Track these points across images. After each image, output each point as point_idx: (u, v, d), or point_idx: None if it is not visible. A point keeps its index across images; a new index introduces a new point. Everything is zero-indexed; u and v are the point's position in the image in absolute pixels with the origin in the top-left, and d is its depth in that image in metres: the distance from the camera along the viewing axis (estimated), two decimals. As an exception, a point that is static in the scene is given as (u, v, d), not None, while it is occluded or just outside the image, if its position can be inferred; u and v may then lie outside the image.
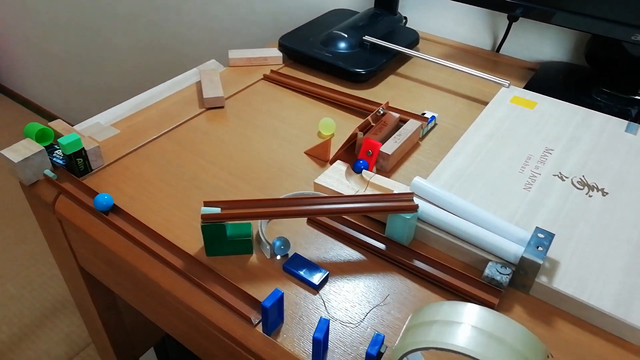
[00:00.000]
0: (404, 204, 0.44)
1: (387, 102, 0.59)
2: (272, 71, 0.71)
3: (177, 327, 0.49)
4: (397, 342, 0.32)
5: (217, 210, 0.42)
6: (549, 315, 0.41)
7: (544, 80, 0.69)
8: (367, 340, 0.39)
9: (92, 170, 0.54)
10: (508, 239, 0.43)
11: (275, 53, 0.73)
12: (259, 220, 0.47)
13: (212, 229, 0.42)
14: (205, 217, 0.42)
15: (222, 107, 0.64)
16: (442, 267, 0.43)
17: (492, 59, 0.78)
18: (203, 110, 0.64)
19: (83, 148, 0.52)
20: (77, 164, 0.52)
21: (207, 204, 0.43)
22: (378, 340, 0.35)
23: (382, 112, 0.56)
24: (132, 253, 0.46)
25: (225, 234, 0.43)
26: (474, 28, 0.81)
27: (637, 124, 0.57)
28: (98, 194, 0.49)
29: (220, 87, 0.65)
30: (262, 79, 0.70)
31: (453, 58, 0.77)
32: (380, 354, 0.35)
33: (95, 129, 0.60)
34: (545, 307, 0.41)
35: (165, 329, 0.51)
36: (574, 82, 0.69)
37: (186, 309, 0.43)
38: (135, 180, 0.53)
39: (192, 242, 0.46)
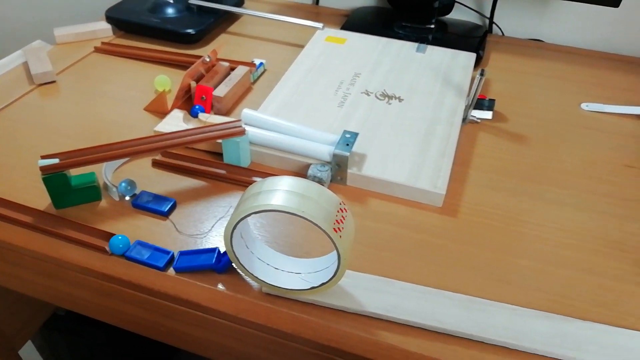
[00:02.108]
0: (233, 130, 0.50)
1: (215, 50, 0.64)
2: (103, 43, 0.72)
3: (42, 286, 0.50)
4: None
5: (56, 160, 0.45)
6: (363, 197, 0.50)
7: (356, 22, 0.80)
8: (217, 245, 0.45)
9: None
10: (325, 144, 0.51)
11: (103, 26, 0.74)
12: (103, 167, 0.50)
13: (54, 180, 0.45)
14: (44, 169, 0.44)
15: (54, 81, 0.65)
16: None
17: (314, 11, 0.87)
18: (34, 87, 0.64)
19: None
20: None
21: (44, 157, 0.45)
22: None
23: (208, 59, 0.61)
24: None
25: (69, 184, 0.46)
26: (294, -15, 0.89)
27: (424, 45, 0.70)
28: None
29: (48, 62, 0.65)
30: (93, 51, 0.71)
31: (278, 14, 0.84)
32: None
33: None
34: (360, 192, 0.51)
35: (34, 293, 0.52)
36: (381, 20, 0.80)
37: (46, 260, 0.45)
38: (-31, 160, 0.53)
39: (40, 201, 0.48)
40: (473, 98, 0.59)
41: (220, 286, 0.42)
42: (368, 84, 0.62)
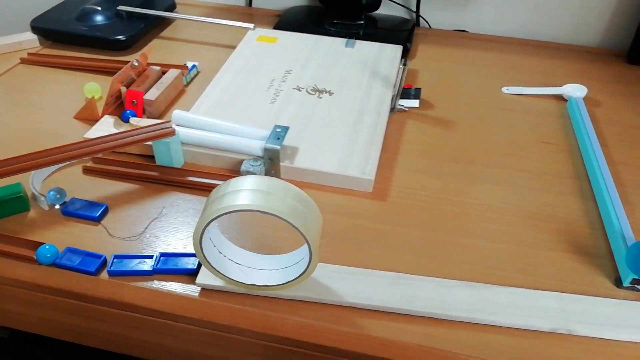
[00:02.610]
0: (163, 131, 0.50)
1: (144, 54, 0.64)
2: (29, 54, 0.70)
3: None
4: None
5: (-24, 173, 0.44)
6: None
7: (288, 21, 0.81)
8: (149, 247, 0.45)
9: None
10: (257, 140, 0.52)
11: (29, 37, 0.72)
12: (30, 177, 0.49)
13: (-24, 193, 0.44)
14: (-36, 183, 0.43)
15: (-22, 94, 0.63)
16: (208, 175, 0.51)
17: (247, 13, 0.88)
18: (-44, 101, 0.62)
19: None
20: None
21: (-37, 170, 0.44)
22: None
23: (137, 63, 0.61)
24: None
25: (-6, 196, 0.45)
26: (226, -12, 0.89)
27: (353, 40, 0.72)
28: None
29: (-30, 75, 0.63)
30: (19, 63, 0.70)
31: (211, 17, 0.84)
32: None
33: None
34: (294, 183, 0.52)
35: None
36: (313, 19, 0.82)
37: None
38: None
39: (-36, 217, 0.47)
40: (399, 88, 0.61)
41: (154, 285, 0.42)
42: (299, 80, 0.64)
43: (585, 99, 0.66)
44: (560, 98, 0.67)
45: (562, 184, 0.54)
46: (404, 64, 0.59)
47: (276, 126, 0.53)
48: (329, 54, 0.69)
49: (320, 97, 0.61)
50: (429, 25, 0.85)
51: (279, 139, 0.51)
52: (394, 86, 0.62)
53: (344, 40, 0.72)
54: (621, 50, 0.78)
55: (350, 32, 0.77)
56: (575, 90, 0.66)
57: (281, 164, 0.51)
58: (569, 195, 0.52)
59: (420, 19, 0.85)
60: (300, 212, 0.36)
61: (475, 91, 0.68)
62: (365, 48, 0.71)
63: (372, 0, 0.80)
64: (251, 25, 0.73)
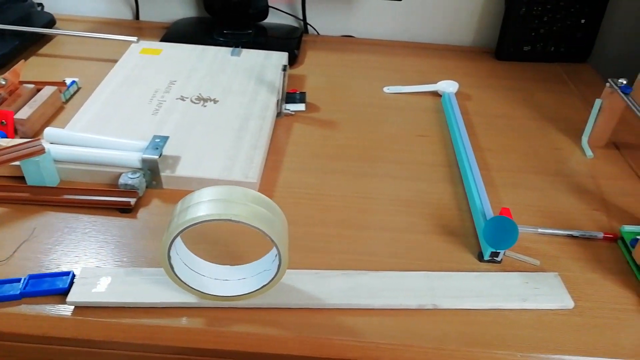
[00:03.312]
0: (31, 150, 0.48)
1: (15, 71, 0.61)
2: None
3: None
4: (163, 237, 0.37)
5: None
6: (182, 197, 0.51)
7: (176, 33, 0.81)
8: (21, 271, 0.43)
9: None
10: (135, 151, 0.52)
11: None
12: None
13: None
14: None
15: None
16: (85, 192, 0.50)
17: (135, 26, 0.86)
18: None
19: None
20: None
21: None
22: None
23: (4, 82, 0.58)
24: None
25: None
26: (112, 2, 0.87)
27: (239, 48, 0.73)
28: None
29: None
30: None
31: (97, 32, 0.82)
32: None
33: None
34: (178, 193, 0.52)
35: None
36: (201, 30, 0.82)
37: None
38: None
39: None
40: (282, 93, 0.63)
41: (22, 309, 0.40)
42: (183, 90, 0.63)
43: (457, 93, 0.72)
44: (436, 94, 0.72)
45: (435, 172, 0.58)
46: (284, 70, 0.61)
47: (155, 136, 0.53)
48: (215, 63, 0.70)
49: (205, 106, 0.61)
50: (317, 32, 0.88)
51: (157, 149, 0.51)
52: (278, 91, 0.64)
53: (230, 49, 0.73)
54: (490, 48, 0.85)
55: (240, 42, 0.78)
56: (448, 86, 0.71)
57: (162, 174, 0.51)
58: (441, 182, 0.56)
59: (309, 26, 0.88)
60: (264, 215, 0.36)
61: (359, 92, 0.72)
62: (252, 56, 0.72)
63: (259, 10, 0.82)
64: (134, 38, 0.72)
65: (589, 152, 0.61)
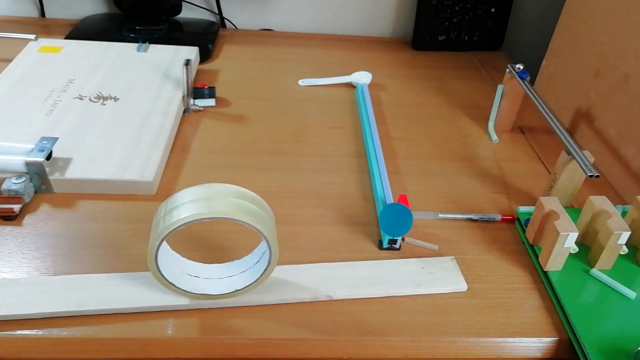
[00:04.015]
0: None
1: None
2: None
3: None
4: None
5: None
6: (74, 200, 0.49)
7: (83, 30, 0.77)
8: None
9: None
10: (21, 155, 0.49)
11: None
12: None
13: None
14: None
15: None
16: (-37, 199, 0.46)
17: (41, 24, 0.82)
18: None
19: None
20: None
21: None
22: None
23: None
24: None
25: None
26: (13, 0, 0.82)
27: (146, 44, 0.71)
28: None
29: None
30: None
31: (-4, 30, 0.77)
32: None
33: None
34: (71, 196, 0.49)
35: None
36: (111, 26, 0.79)
37: None
38: None
39: None
40: (187, 88, 0.61)
41: None
42: (82, 89, 0.60)
43: (373, 84, 0.72)
44: (351, 86, 0.72)
45: (344, 163, 0.57)
46: (186, 64, 0.59)
47: (42, 138, 0.50)
48: (119, 60, 0.67)
49: (104, 104, 0.58)
50: (235, 26, 0.87)
51: (43, 151, 0.48)
52: (183, 87, 0.62)
53: (136, 45, 0.70)
54: (408, 39, 0.86)
55: (152, 37, 0.75)
56: (361, 78, 0.71)
57: (51, 177, 0.48)
58: (349, 172, 0.56)
59: (227, 21, 0.86)
60: (248, 208, 0.35)
61: (274, 86, 0.71)
62: (159, 52, 0.69)
63: (171, 5, 0.80)
64: (32, 36, 0.68)
65: (495, 137, 0.63)
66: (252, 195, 0.38)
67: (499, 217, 0.51)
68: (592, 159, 0.47)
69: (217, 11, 0.84)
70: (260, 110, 0.65)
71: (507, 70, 0.60)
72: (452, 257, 0.46)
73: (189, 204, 0.35)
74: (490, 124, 0.64)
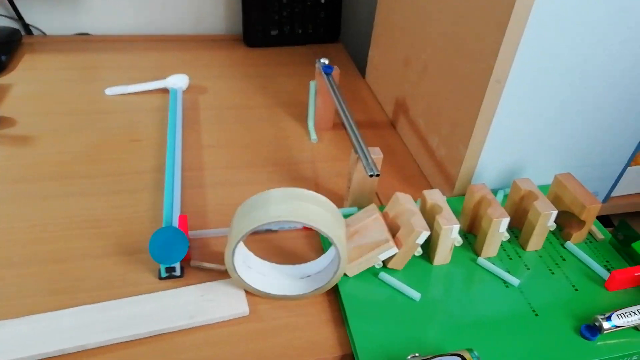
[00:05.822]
0: None
1: None
2: None
3: None
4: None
5: None
6: None
7: None
8: None
9: None
10: None
11: None
12: None
13: None
14: None
15: None
16: None
17: None
18: None
19: None
20: None
21: None
22: None
23: None
24: None
25: None
26: None
27: None
28: None
29: None
30: None
31: None
32: None
33: None
34: None
35: None
36: None
37: None
38: None
39: None
40: (-53, 110, 0.52)
41: None
42: None
43: (193, 87, 0.67)
44: (167, 91, 0.66)
45: (140, 181, 0.51)
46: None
47: None
48: None
49: None
50: (44, 32, 0.77)
51: None
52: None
53: None
54: (240, 35, 0.82)
55: None
56: (177, 81, 0.65)
57: None
58: (144, 192, 0.50)
59: (31, 27, 0.76)
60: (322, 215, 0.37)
61: (77, 98, 0.63)
62: None
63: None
64: None
65: (314, 136, 0.60)
66: (323, 199, 0.39)
67: (299, 225, 0.48)
68: (380, 156, 0.45)
69: (17, 17, 0.74)
70: (52, 128, 0.57)
71: (316, 65, 0.57)
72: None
73: (275, 205, 0.38)
74: (310, 123, 0.61)
